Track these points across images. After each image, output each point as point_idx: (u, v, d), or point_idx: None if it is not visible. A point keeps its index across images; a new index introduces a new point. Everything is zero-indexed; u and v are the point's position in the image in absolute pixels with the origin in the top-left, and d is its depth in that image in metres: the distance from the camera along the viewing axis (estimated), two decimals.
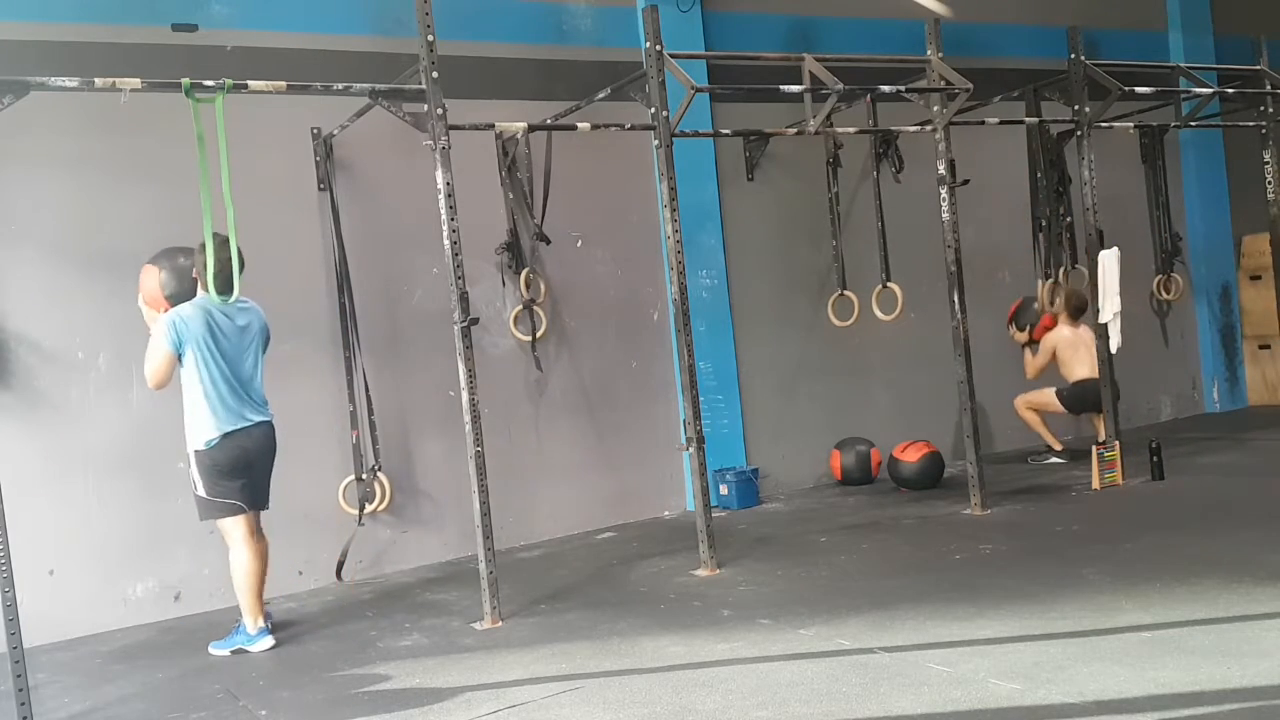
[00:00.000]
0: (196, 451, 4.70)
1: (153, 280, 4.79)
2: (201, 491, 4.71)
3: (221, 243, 4.51)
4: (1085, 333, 7.49)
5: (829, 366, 7.73)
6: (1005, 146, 7.56)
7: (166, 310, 4.72)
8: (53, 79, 4.24)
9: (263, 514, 5.33)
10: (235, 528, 4.77)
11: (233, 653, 4.80)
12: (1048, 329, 7.65)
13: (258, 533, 4.92)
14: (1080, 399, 7.56)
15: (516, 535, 6.52)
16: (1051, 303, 7.36)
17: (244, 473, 4.76)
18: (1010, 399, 7.89)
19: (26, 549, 4.91)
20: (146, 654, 4.93)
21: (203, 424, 4.67)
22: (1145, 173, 8.41)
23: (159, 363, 4.62)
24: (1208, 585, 4.38)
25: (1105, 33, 8.65)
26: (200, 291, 4.72)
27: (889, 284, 7.43)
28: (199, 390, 4.66)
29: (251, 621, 4.80)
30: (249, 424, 4.75)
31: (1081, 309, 7.42)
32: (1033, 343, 7.78)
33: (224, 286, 4.52)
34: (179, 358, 4.63)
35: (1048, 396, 7.69)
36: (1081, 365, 7.49)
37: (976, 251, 7.61)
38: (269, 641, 4.79)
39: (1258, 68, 7.83)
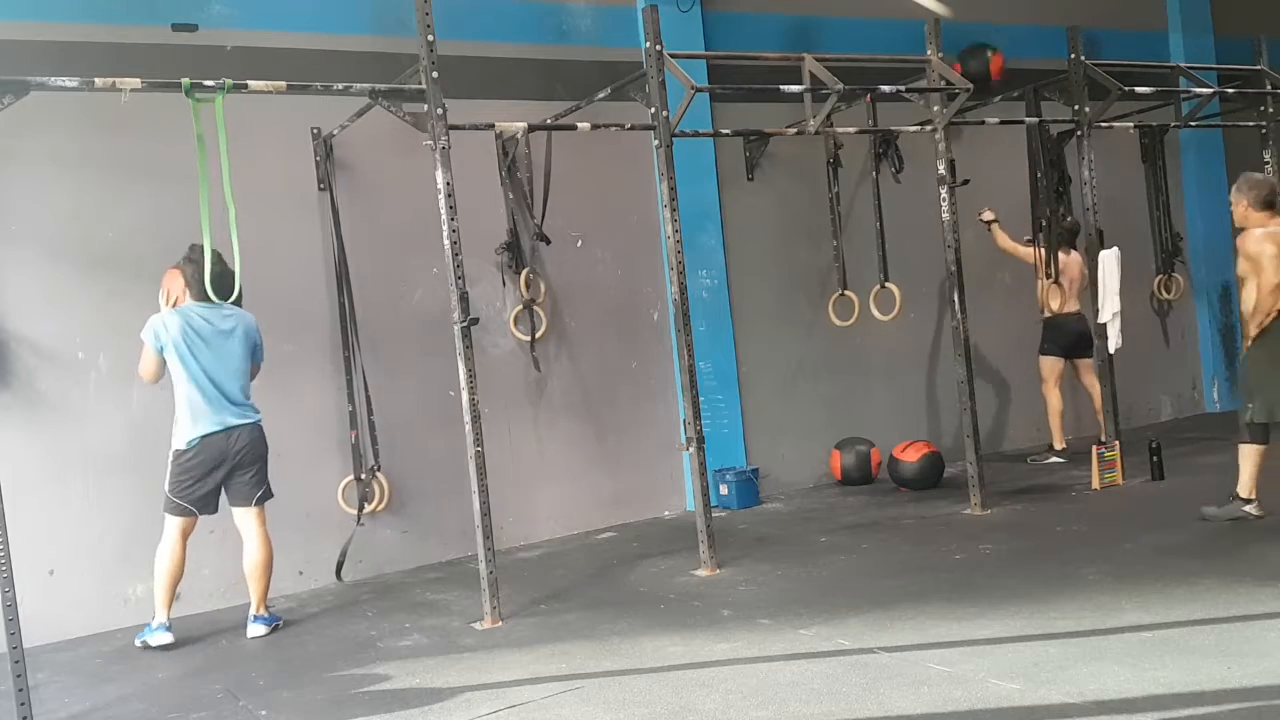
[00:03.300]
0: (176, 450, 4.93)
1: (173, 284, 5.01)
2: (166, 487, 4.94)
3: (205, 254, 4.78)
4: (1075, 258, 7.39)
5: (829, 366, 7.72)
6: (1005, 146, 7.56)
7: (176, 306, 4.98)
8: (53, 79, 4.25)
9: (262, 513, 5.34)
10: (174, 526, 4.98)
11: (141, 645, 4.98)
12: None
13: (260, 532, 5.07)
14: (1055, 336, 7.48)
15: (516, 535, 6.52)
16: (1053, 304, 7.34)
17: (213, 478, 4.93)
18: (1010, 398, 7.89)
19: (26, 549, 4.91)
20: (146, 654, 4.92)
21: (183, 426, 4.91)
22: (1145, 173, 8.41)
23: (145, 360, 4.95)
24: (1208, 585, 4.39)
25: (1105, 33, 8.65)
26: (185, 299, 4.95)
27: (888, 284, 7.43)
28: (180, 392, 4.91)
29: (158, 613, 4.98)
30: (226, 428, 4.91)
31: (1074, 232, 7.32)
32: (996, 222, 7.57)
33: (202, 295, 4.82)
34: (162, 357, 4.90)
35: (1044, 365, 7.60)
36: (1058, 293, 7.33)
37: (976, 251, 7.61)
38: (165, 638, 4.95)
39: (1258, 68, 7.84)
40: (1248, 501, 5.46)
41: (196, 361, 4.85)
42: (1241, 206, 5.47)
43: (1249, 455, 5.47)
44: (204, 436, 4.87)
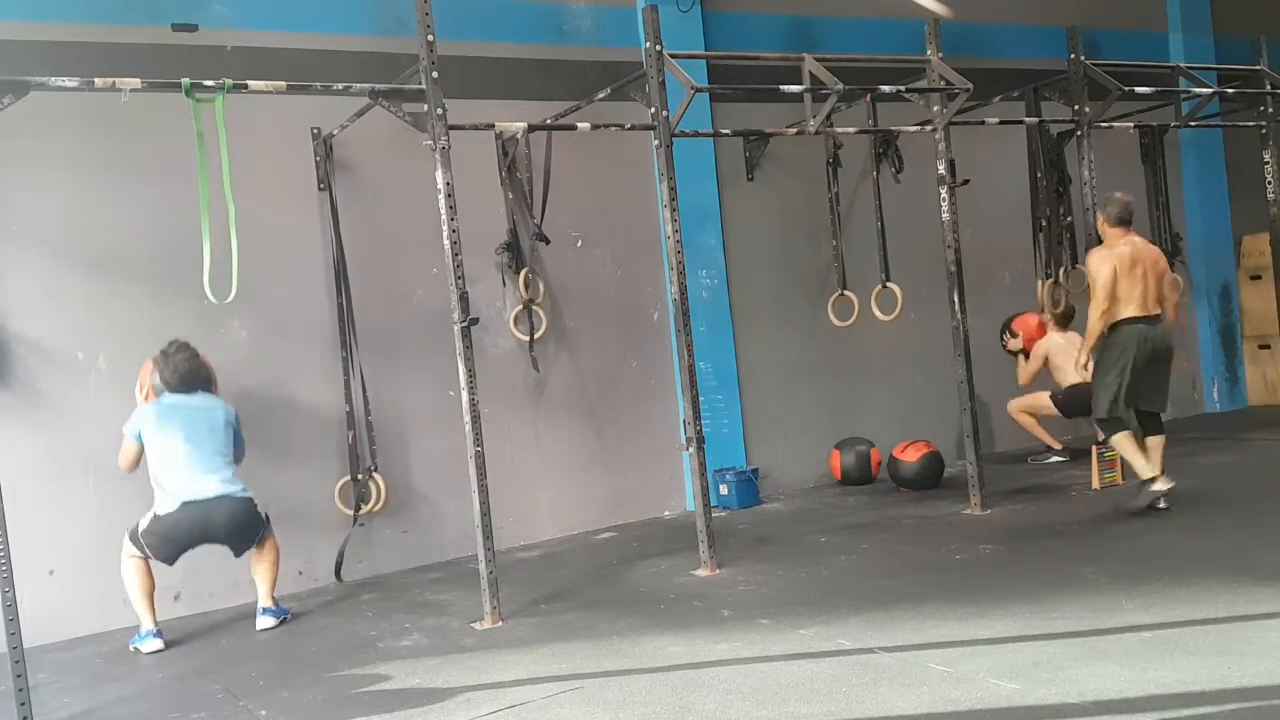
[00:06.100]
0: (155, 515, 4.92)
1: (146, 374, 5.11)
2: (138, 529, 4.95)
3: (179, 347, 4.97)
4: (1075, 338, 7.52)
5: (829, 366, 7.73)
6: (1005, 146, 7.56)
7: (151, 400, 5.06)
8: (53, 79, 4.24)
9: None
10: (132, 556, 4.98)
11: (133, 650, 4.98)
12: (1038, 339, 7.68)
13: (267, 543, 5.19)
14: (1074, 403, 7.56)
15: (516, 535, 6.52)
16: (1053, 303, 7.34)
17: (184, 543, 4.93)
18: (1009, 398, 7.89)
19: (26, 549, 4.91)
20: (145, 654, 4.92)
21: (163, 497, 4.91)
22: (1145, 173, 8.40)
23: (124, 451, 5.04)
24: (1208, 585, 4.38)
25: (1105, 33, 8.65)
26: (154, 395, 5.06)
27: (889, 284, 7.42)
28: (155, 470, 4.92)
29: (143, 621, 4.99)
30: (206, 498, 4.90)
31: (1069, 316, 7.46)
32: (1025, 351, 7.80)
33: (178, 386, 5.00)
34: (141, 446, 4.98)
35: (1041, 400, 7.70)
36: (1074, 370, 7.48)
37: (976, 251, 7.61)
38: (155, 644, 4.94)
39: (1258, 68, 7.84)
40: (1152, 481, 5.69)
41: (172, 436, 4.88)
42: (1099, 221, 5.85)
43: (1122, 443, 5.75)
44: (184, 503, 4.86)
